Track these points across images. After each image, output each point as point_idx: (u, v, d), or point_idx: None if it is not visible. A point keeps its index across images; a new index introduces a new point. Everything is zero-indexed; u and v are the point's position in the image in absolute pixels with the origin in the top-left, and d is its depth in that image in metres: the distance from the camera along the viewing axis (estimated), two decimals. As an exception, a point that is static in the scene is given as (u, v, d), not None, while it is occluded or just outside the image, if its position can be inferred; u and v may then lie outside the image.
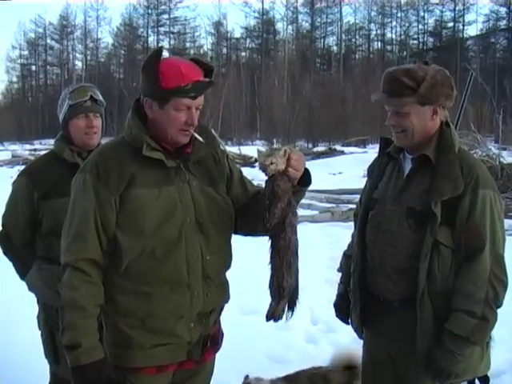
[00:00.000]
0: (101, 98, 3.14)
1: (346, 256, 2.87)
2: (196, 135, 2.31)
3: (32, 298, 3.16)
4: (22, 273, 3.12)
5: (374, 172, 2.73)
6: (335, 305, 2.90)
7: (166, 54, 2.37)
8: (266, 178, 2.30)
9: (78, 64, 65.46)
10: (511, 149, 17.21)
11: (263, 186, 2.36)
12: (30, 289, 3.12)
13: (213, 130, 2.51)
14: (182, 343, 2.31)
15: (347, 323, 2.85)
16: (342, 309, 2.84)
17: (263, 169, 2.27)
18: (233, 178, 2.51)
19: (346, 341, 4.95)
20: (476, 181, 2.40)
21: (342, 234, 8.76)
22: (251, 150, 28.24)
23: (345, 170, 21.21)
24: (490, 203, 2.40)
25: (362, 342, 4.60)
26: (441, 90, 2.48)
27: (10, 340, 4.56)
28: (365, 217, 2.67)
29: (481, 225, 2.38)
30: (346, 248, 2.92)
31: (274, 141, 40.75)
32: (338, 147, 32.63)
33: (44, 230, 2.99)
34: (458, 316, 2.39)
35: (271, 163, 2.24)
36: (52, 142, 3.23)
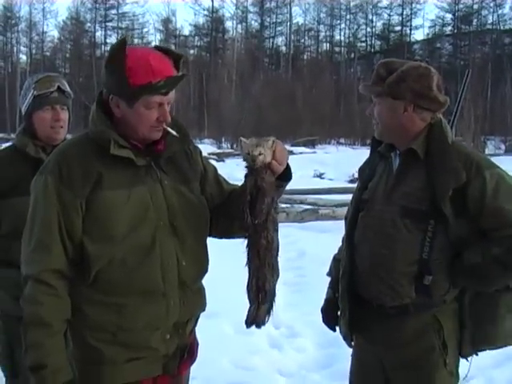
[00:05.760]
0: (68, 89, 2.90)
1: (336, 260, 2.72)
2: (169, 129, 2.12)
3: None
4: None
5: (365, 172, 2.60)
6: (323, 310, 2.75)
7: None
8: (244, 171, 2.12)
9: (23, 57, 63.82)
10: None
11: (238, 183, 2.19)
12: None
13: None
14: (157, 356, 2.13)
15: (334, 330, 2.71)
16: (330, 315, 2.70)
17: (251, 159, 2.05)
18: (207, 175, 2.33)
19: (310, 345, 4.89)
20: (478, 164, 2.27)
21: (299, 235, 8.78)
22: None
23: (294, 170, 20.91)
24: (503, 180, 2.27)
25: (327, 346, 4.59)
26: (410, 86, 2.33)
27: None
28: (354, 219, 2.52)
29: (503, 205, 2.24)
30: (334, 251, 2.78)
31: (223, 139, 40.60)
32: (287, 147, 32.64)
33: (3, 232, 2.74)
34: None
35: (259, 154, 2.05)
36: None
